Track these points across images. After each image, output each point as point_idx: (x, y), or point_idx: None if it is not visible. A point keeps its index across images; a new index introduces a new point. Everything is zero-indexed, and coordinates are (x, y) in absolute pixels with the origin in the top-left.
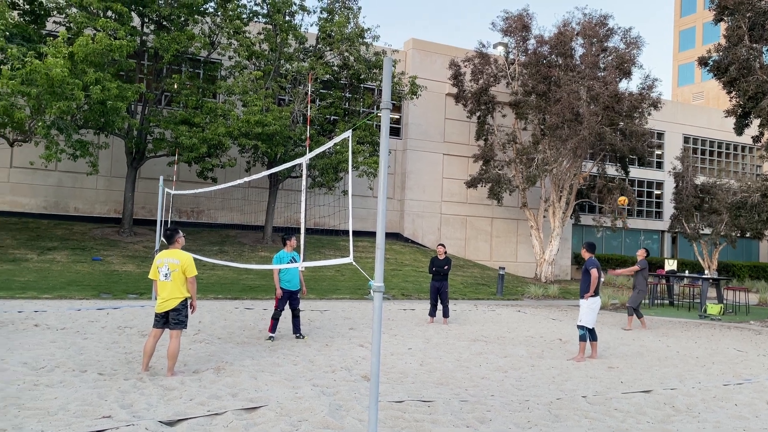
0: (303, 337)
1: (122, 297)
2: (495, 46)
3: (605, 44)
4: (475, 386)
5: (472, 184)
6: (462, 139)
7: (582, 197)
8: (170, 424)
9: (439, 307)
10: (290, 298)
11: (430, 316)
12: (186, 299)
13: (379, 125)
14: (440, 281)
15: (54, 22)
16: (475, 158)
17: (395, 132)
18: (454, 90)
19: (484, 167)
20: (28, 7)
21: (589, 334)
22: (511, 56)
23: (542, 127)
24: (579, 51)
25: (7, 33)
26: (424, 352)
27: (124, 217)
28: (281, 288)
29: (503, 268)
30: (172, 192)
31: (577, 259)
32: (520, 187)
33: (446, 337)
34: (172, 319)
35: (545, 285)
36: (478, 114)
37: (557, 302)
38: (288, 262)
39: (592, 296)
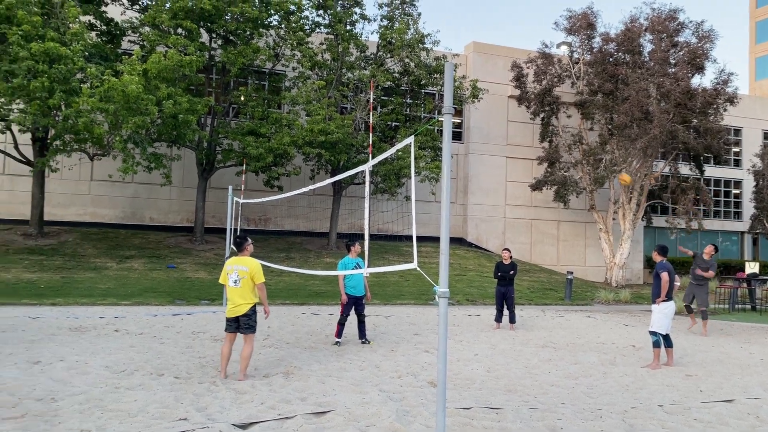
0: (368, 343)
1: (195, 303)
2: (558, 46)
3: (676, 39)
4: (544, 394)
5: (536, 186)
6: (525, 142)
7: (654, 198)
8: (243, 427)
9: (506, 312)
10: (355, 303)
11: (496, 322)
12: (255, 305)
13: (441, 130)
14: (506, 286)
15: (129, 41)
16: (539, 160)
17: (457, 136)
18: (517, 92)
19: (549, 169)
20: (105, 27)
21: (663, 340)
22: (576, 55)
23: (610, 126)
24: (647, 47)
25: (87, 53)
26: (491, 358)
27: (195, 225)
28: (346, 294)
29: (571, 273)
30: (241, 201)
31: (649, 263)
32: (588, 188)
33: (513, 343)
34: (243, 324)
35: (616, 290)
36: (541, 115)
37: (629, 307)
38: (352, 268)
39: (664, 301)
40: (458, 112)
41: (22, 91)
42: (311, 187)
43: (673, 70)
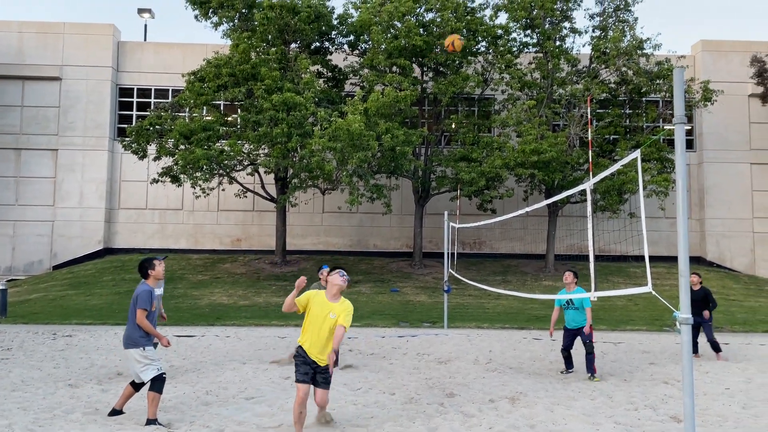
0: (594, 378)
1: (418, 325)
2: None
3: None
4: None
5: None
6: None
7: None
8: None
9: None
10: (575, 336)
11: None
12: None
13: (666, 139)
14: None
15: (350, 83)
16: None
17: (688, 144)
18: (760, 89)
19: None
20: (330, 74)
21: None
22: None
23: None
24: None
25: (316, 99)
26: (746, 393)
27: (414, 250)
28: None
29: None
30: (456, 225)
31: None
32: None
33: None
34: None
35: None
36: None
37: None
38: (563, 304)
39: None
40: (688, 118)
41: (266, 138)
42: (527, 209)
43: None
